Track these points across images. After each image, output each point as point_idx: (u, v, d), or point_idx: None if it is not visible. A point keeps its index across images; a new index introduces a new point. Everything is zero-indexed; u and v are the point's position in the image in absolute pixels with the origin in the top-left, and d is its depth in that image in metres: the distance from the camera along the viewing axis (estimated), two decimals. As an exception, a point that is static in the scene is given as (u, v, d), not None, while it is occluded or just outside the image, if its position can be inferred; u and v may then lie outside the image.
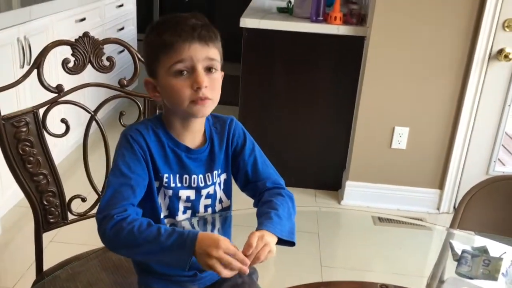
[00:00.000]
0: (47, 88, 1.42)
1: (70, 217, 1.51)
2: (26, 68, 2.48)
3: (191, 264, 0.99)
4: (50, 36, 2.81)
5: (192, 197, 1.17)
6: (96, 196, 1.55)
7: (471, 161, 2.85)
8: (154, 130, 1.14)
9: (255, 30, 2.82)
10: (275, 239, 1.04)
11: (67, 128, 1.50)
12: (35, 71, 1.39)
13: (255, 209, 1.16)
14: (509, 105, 2.74)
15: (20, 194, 1.44)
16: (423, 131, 2.81)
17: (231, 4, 5.21)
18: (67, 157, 3.09)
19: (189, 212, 1.19)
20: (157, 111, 1.54)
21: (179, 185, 1.15)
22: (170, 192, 1.15)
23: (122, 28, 4.12)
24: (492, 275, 1.26)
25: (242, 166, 1.21)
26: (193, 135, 1.16)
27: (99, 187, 1.56)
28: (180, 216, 1.18)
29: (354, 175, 2.93)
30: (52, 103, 1.44)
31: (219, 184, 1.21)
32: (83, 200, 1.54)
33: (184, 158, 1.15)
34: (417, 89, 2.73)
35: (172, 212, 1.17)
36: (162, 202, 1.16)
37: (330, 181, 3.09)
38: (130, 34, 4.36)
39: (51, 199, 1.45)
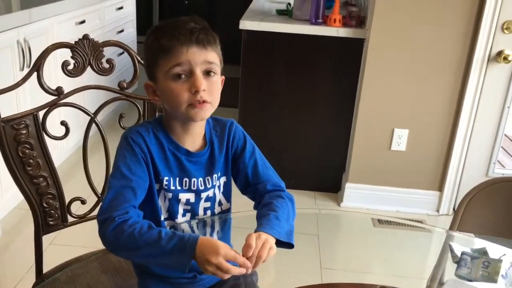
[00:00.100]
0: (47, 90, 1.42)
1: (70, 219, 1.52)
2: (26, 70, 2.48)
3: (190, 267, 1.00)
4: (50, 38, 2.81)
5: (192, 200, 1.17)
6: (96, 199, 1.56)
7: (471, 163, 2.85)
8: (154, 133, 1.14)
9: (255, 32, 2.82)
10: (273, 240, 1.04)
11: (67, 131, 1.50)
12: (35, 73, 1.39)
13: (255, 212, 1.16)
14: (508, 107, 2.75)
15: (20, 197, 1.44)
16: (422, 133, 2.81)
17: (231, 6, 5.22)
18: (67, 159, 3.09)
19: (188, 215, 1.19)
20: (157, 113, 1.54)
21: (179, 188, 1.16)
22: (170, 194, 1.15)
23: (122, 31, 4.13)
24: (491, 277, 1.26)
25: (242, 168, 1.21)
26: (193, 138, 1.16)
27: (99, 190, 1.56)
28: (180, 219, 1.18)
29: (353, 177, 2.93)
30: (52, 106, 1.44)
31: (219, 187, 1.21)
32: (83, 202, 1.54)
33: (184, 161, 1.15)
34: (416, 91, 2.74)
35: (171, 214, 1.17)
36: (162, 204, 1.16)
37: (330, 183, 3.09)
38: (130, 36, 4.36)
39: (51, 201, 1.45)
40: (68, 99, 1.47)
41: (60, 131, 1.48)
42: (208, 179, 1.18)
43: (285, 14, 3.06)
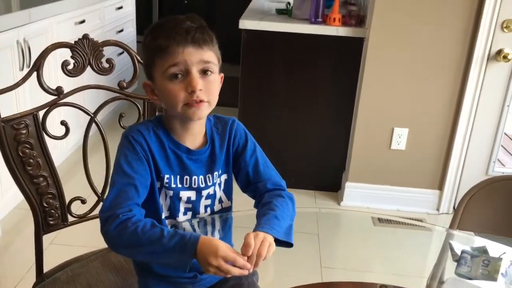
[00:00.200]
0: (46, 90, 1.42)
1: (70, 219, 1.52)
2: (26, 70, 2.47)
3: (191, 266, 1.00)
4: (50, 38, 2.81)
5: (193, 198, 1.18)
6: (96, 198, 1.56)
7: (471, 162, 2.85)
8: (155, 131, 1.14)
9: (254, 32, 2.82)
10: (272, 238, 1.04)
11: (67, 130, 1.50)
12: (34, 73, 1.39)
13: (255, 210, 1.16)
14: (508, 106, 2.75)
15: (20, 196, 1.44)
16: (422, 132, 2.81)
17: (231, 5, 5.22)
18: (67, 159, 3.09)
19: (189, 213, 1.19)
20: (157, 113, 1.54)
21: (179, 186, 1.16)
22: (171, 192, 1.15)
23: (122, 30, 4.13)
24: (491, 276, 1.26)
25: (243, 167, 1.21)
26: (194, 137, 1.17)
27: (99, 189, 1.56)
28: (181, 217, 1.18)
29: (353, 176, 2.93)
30: (51, 105, 1.44)
31: (219, 184, 1.21)
32: (83, 202, 1.54)
33: (184, 159, 1.15)
34: (416, 90, 2.74)
35: (172, 212, 1.17)
36: (163, 202, 1.17)
37: (330, 182, 3.09)
38: (130, 36, 4.36)
39: (51, 201, 1.45)
40: (68, 99, 1.47)
41: (60, 130, 1.48)
42: (209, 177, 1.18)
43: (285, 13, 3.06)
